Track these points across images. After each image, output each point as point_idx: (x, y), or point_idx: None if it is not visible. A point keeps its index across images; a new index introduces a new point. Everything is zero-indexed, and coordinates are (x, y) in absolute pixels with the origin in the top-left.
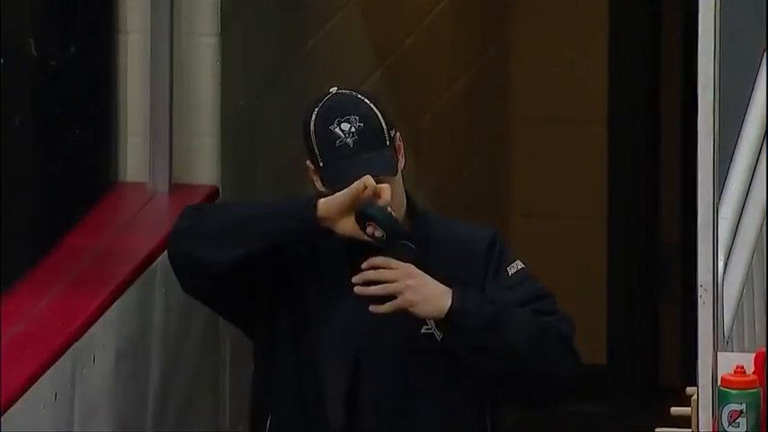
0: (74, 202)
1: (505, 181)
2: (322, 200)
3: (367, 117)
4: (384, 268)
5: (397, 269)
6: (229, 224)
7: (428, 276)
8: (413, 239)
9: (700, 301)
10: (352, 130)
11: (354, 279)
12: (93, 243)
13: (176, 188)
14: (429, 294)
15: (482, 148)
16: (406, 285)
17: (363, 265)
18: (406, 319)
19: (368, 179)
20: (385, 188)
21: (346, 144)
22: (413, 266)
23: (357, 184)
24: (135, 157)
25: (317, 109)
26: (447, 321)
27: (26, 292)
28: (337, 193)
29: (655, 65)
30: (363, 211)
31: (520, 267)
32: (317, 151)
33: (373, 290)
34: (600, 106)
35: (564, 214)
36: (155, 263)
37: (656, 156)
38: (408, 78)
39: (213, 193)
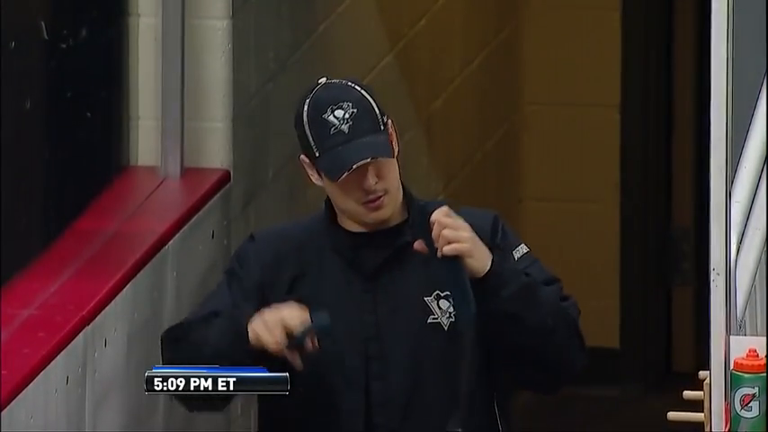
0: (85, 186)
1: (518, 165)
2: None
3: (360, 102)
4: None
5: (460, 223)
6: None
7: None
8: (410, 228)
9: (712, 284)
10: (346, 116)
11: (416, 245)
12: (104, 227)
13: (188, 172)
14: (481, 250)
15: (494, 132)
16: (469, 237)
17: (432, 218)
18: (414, 310)
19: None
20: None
21: (341, 131)
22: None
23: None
24: (146, 141)
25: (308, 100)
26: (483, 283)
27: (38, 275)
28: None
29: (668, 48)
30: (297, 343)
31: (525, 251)
32: (311, 141)
33: (447, 233)
34: (613, 90)
35: (576, 198)
36: (166, 246)
37: (668, 139)
38: (420, 61)
39: (225, 177)
